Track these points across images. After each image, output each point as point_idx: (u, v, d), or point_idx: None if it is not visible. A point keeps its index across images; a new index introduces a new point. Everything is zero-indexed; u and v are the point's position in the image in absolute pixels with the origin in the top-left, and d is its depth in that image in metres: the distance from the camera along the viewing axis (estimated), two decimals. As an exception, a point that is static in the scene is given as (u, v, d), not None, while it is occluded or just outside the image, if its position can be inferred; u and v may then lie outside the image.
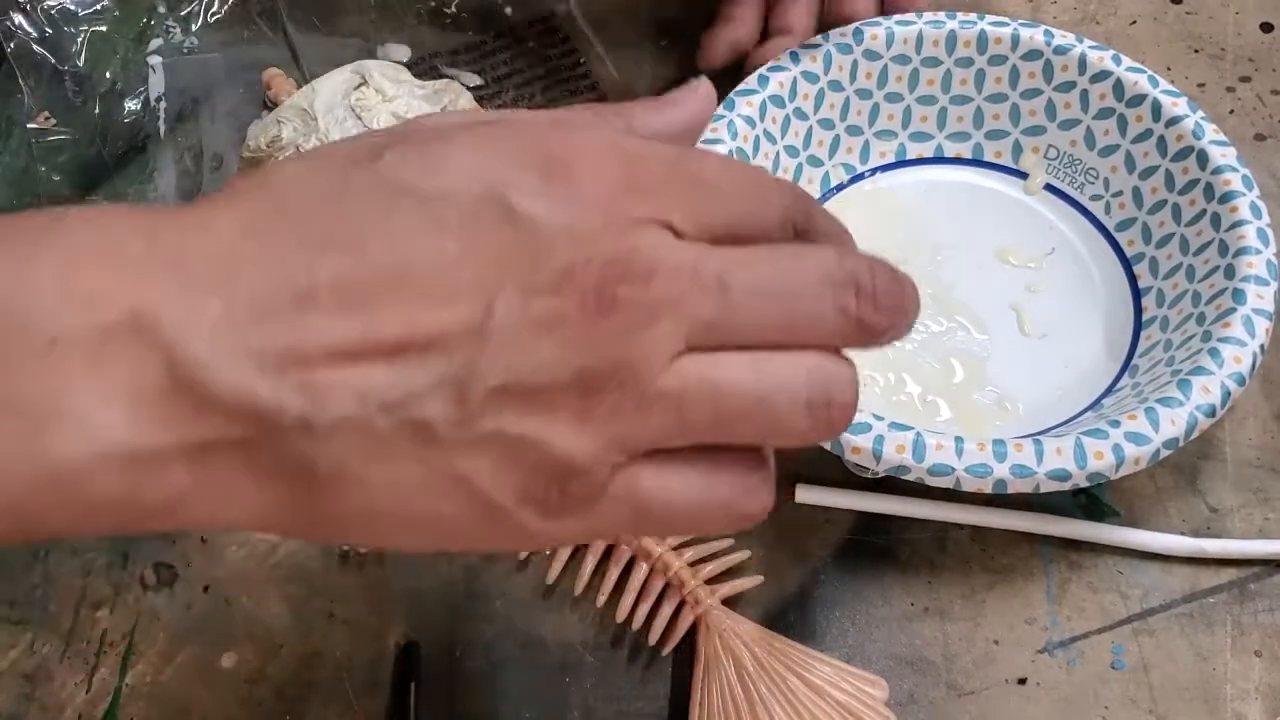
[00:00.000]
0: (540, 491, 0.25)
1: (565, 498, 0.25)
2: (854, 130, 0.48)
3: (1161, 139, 0.44)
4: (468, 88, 0.49)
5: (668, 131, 0.29)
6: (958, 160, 0.48)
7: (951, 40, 0.47)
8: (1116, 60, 0.46)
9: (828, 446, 0.38)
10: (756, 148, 0.45)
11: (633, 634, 0.39)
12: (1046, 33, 0.46)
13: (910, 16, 0.47)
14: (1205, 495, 0.41)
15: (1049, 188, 0.47)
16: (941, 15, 0.47)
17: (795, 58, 0.46)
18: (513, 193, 0.25)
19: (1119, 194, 0.46)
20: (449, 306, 0.24)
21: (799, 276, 0.26)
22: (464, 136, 0.26)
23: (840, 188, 0.47)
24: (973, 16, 0.47)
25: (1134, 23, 0.55)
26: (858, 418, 0.37)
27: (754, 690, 0.36)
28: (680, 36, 0.55)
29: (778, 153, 0.46)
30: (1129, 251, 0.45)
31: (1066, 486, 0.37)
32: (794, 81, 0.46)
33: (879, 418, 0.38)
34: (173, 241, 0.24)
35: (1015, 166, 0.48)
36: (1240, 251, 0.41)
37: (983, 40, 0.47)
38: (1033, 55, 0.46)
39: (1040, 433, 0.41)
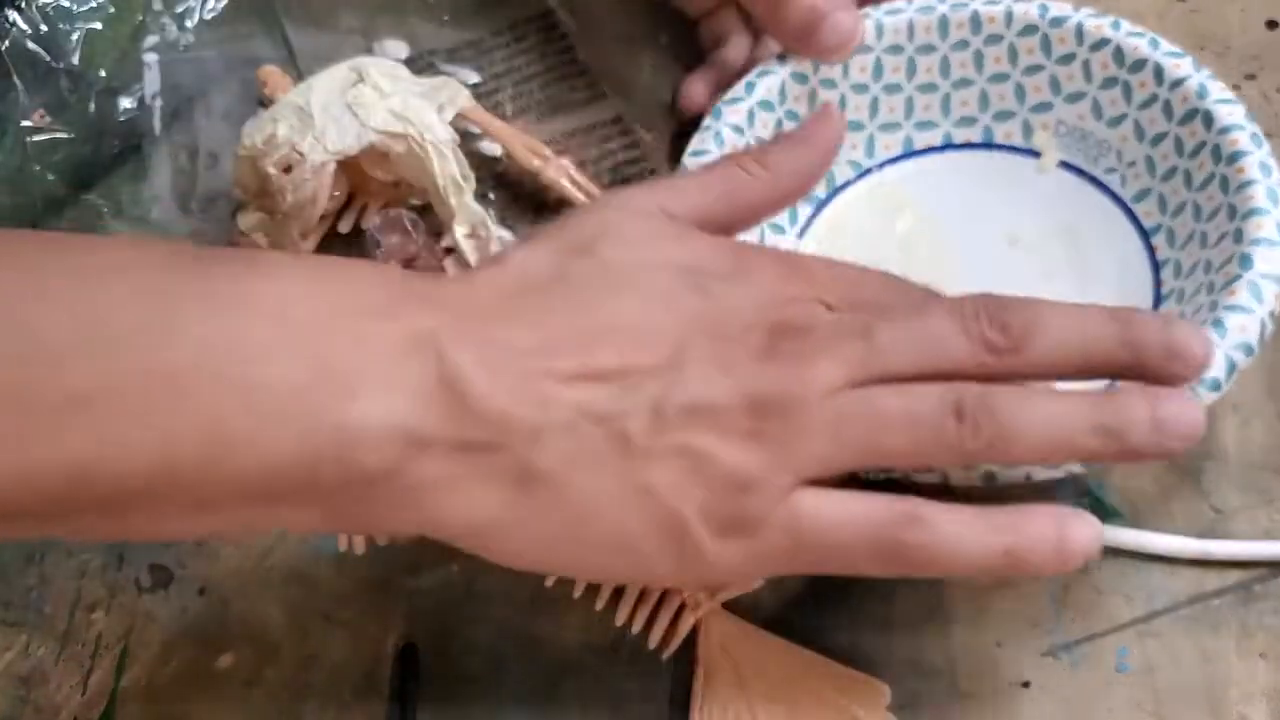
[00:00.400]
0: (717, 504, 0.30)
1: (738, 513, 0.30)
2: (855, 125, 0.47)
3: (1167, 103, 0.43)
4: (466, 85, 0.49)
5: (799, 168, 0.37)
6: (968, 145, 0.47)
7: (944, 25, 0.46)
8: (1115, 26, 0.44)
9: None
10: None
11: (632, 637, 0.38)
12: (1040, 6, 0.45)
13: (899, 4, 0.46)
14: (1209, 496, 0.41)
15: (1063, 165, 0.46)
16: (932, 0, 0.46)
17: (782, 59, 0.45)
18: (707, 278, 0.32)
19: (1132, 164, 0.44)
20: (652, 347, 0.31)
21: (929, 315, 0.32)
22: (667, 244, 0.33)
23: (848, 184, 0.47)
24: None
25: (1138, 20, 0.55)
26: None
27: (754, 694, 0.36)
28: (681, 33, 0.55)
29: None
30: (1147, 224, 0.43)
31: (1059, 474, 0.35)
32: (783, 85, 0.45)
33: None
34: (445, 293, 0.32)
35: (1028, 146, 0.47)
36: (1249, 214, 0.39)
37: (976, 21, 0.45)
38: (1029, 30, 0.45)
39: None
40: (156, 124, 0.52)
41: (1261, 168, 0.40)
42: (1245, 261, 0.38)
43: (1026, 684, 0.38)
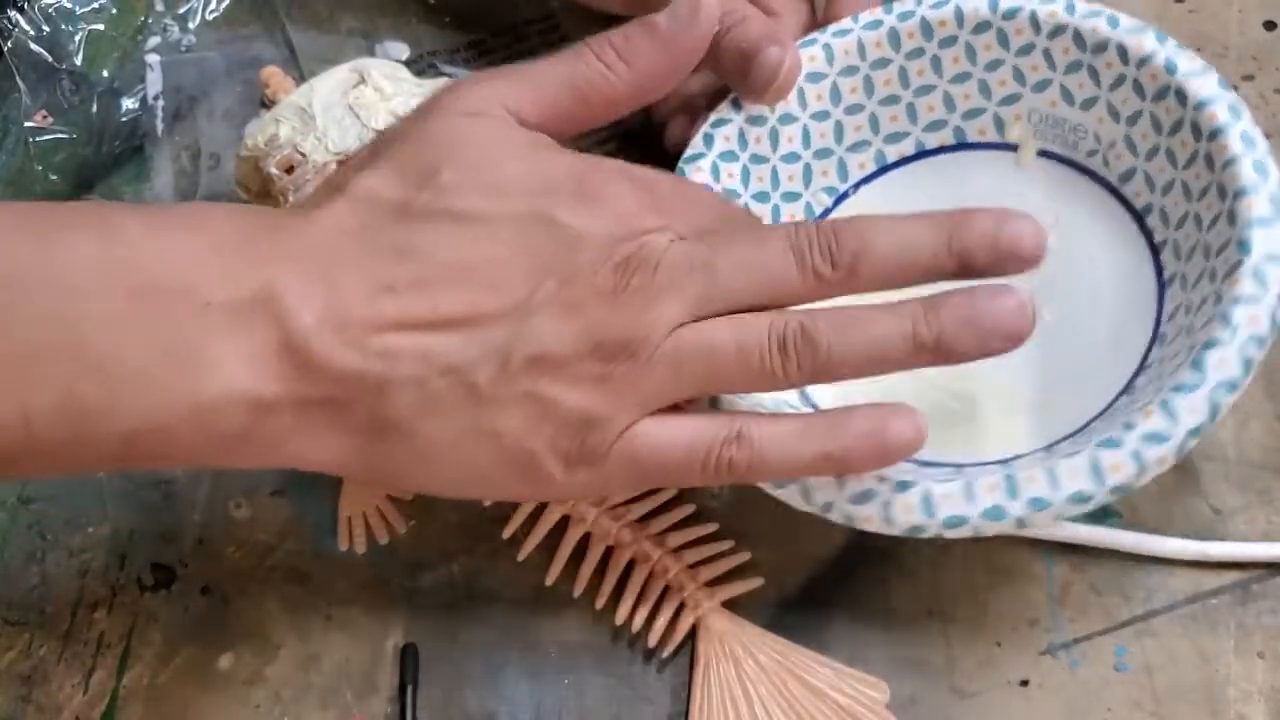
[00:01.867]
0: (563, 442, 0.31)
1: (584, 448, 0.31)
2: (823, 153, 0.45)
3: (1137, 81, 0.41)
4: (467, 86, 0.49)
5: (659, 70, 0.36)
6: (941, 150, 0.46)
7: (894, 37, 0.44)
8: (1070, 10, 0.43)
9: (839, 520, 0.35)
10: None
11: (632, 636, 0.39)
12: (990, 2, 0.44)
13: (845, 24, 0.45)
14: (1208, 496, 0.41)
15: (1044, 155, 0.45)
16: (879, 12, 0.45)
17: (737, 106, 0.44)
18: (556, 205, 0.32)
19: (1113, 144, 0.43)
20: (499, 292, 0.31)
21: (765, 246, 0.32)
22: (513, 166, 0.33)
23: (826, 212, 0.45)
24: (909, 4, 0.44)
25: (1136, 21, 0.55)
26: (861, 484, 0.35)
27: (754, 693, 0.36)
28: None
29: (745, 204, 0.44)
30: (1138, 204, 0.42)
31: (1090, 507, 0.34)
32: (740, 131, 0.44)
33: (881, 479, 0.35)
34: (288, 239, 0.32)
35: (1003, 140, 0.45)
36: (1239, 193, 0.37)
37: (926, 27, 0.44)
38: (982, 27, 0.44)
39: (1061, 440, 0.38)
40: (158, 125, 0.52)
41: (1244, 139, 0.38)
42: (1244, 246, 0.36)
43: (1025, 683, 0.38)
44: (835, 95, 0.45)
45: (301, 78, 0.47)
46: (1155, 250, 0.41)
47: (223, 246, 0.31)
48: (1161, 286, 0.40)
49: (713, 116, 0.44)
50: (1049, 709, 0.37)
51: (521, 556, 0.40)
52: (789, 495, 0.36)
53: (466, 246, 0.31)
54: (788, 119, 0.45)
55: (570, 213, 0.32)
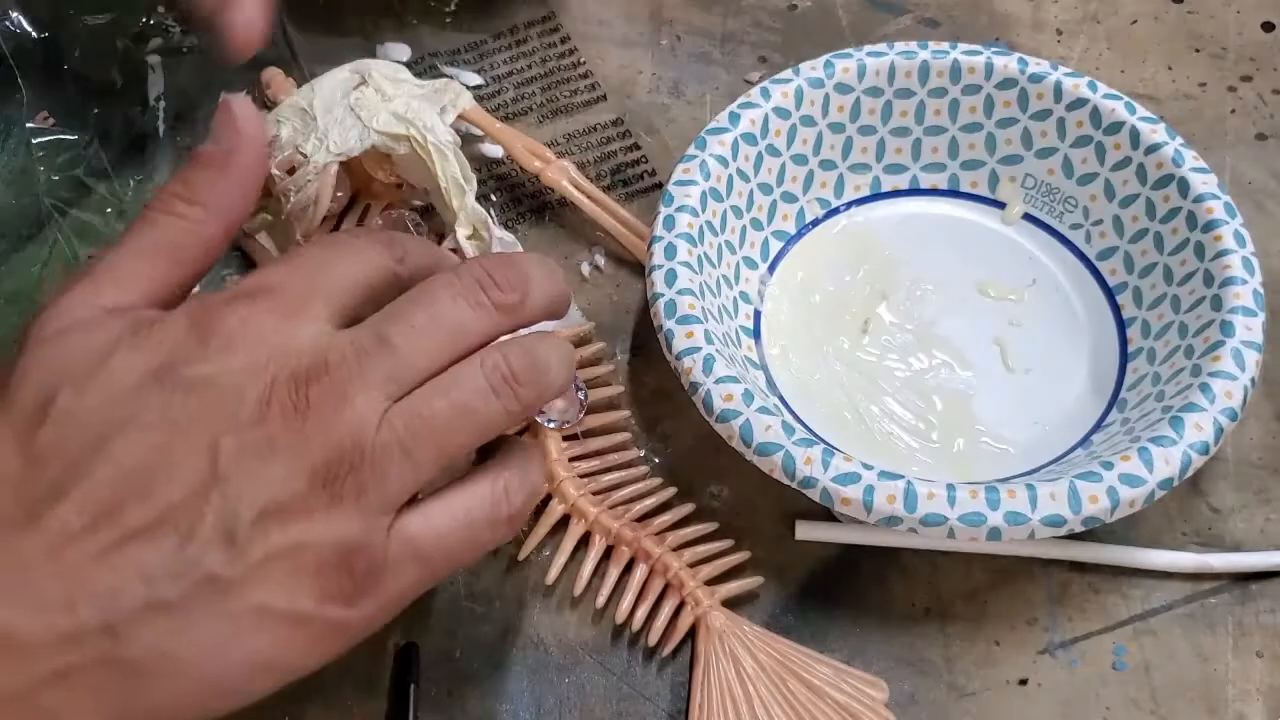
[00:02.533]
0: (333, 584, 0.28)
1: (355, 578, 0.29)
2: (828, 165, 0.47)
3: (1141, 166, 0.44)
4: (467, 87, 0.49)
5: (232, 201, 0.33)
6: (934, 191, 0.48)
7: (925, 71, 0.46)
8: (1093, 87, 0.45)
9: (816, 498, 0.37)
10: (730, 186, 0.44)
11: (632, 635, 0.39)
12: (1020, 60, 0.46)
13: (881, 47, 0.46)
14: (1207, 496, 0.41)
15: (1028, 217, 0.47)
16: (914, 45, 0.46)
17: (766, 94, 0.45)
18: (184, 372, 0.29)
19: (1099, 222, 0.45)
20: (181, 478, 0.28)
21: (434, 303, 0.31)
22: (120, 359, 0.29)
23: (816, 223, 0.47)
24: (945, 46, 0.46)
25: (1135, 22, 0.55)
26: (847, 467, 0.37)
27: (754, 691, 0.36)
28: (682, 36, 0.55)
29: (751, 190, 0.45)
30: (1111, 281, 0.45)
31: (1062, 531, 0.36)
32: (765, 118, 0.45)
33: (868, 466, 0.37)
34: None
35: (993, 196, 0.47)
36: (1226, 282, 0.40)
37: (956, 70, 0.46)
38: (1007, 84, 0.46)
39: (1029, 472, 0.40)
40: (160, 126, 0.52)
41: (1236, 237, 0.41)
42: (1227, 329, 0.39)
43: (1024, 682, 0.38)
44: (855, 111, 0.47)
45: (302, 79, 0.47)
46: (1123, 325, 0.44)
47: None
48: (1124, 359, 0.43)
49: (740, 99, 0.46)
50: (1048, 708, 0.37)
51: (522, 555, 0.40)
52: (771, 465, 0.37)
53: (121, 456, 0.28)
54: (808, 120, 0.46)
55: (202, 365, 0.29)
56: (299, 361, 0.29)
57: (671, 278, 0.41)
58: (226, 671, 0.28)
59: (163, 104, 0.52)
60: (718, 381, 0.38)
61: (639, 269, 0.47)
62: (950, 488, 0.36)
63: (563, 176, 0.48)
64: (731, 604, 0.39)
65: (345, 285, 0.31)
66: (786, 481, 0.37)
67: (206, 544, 0.27)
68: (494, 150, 0.50)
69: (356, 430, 0.29)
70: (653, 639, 0.38)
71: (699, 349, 0.39)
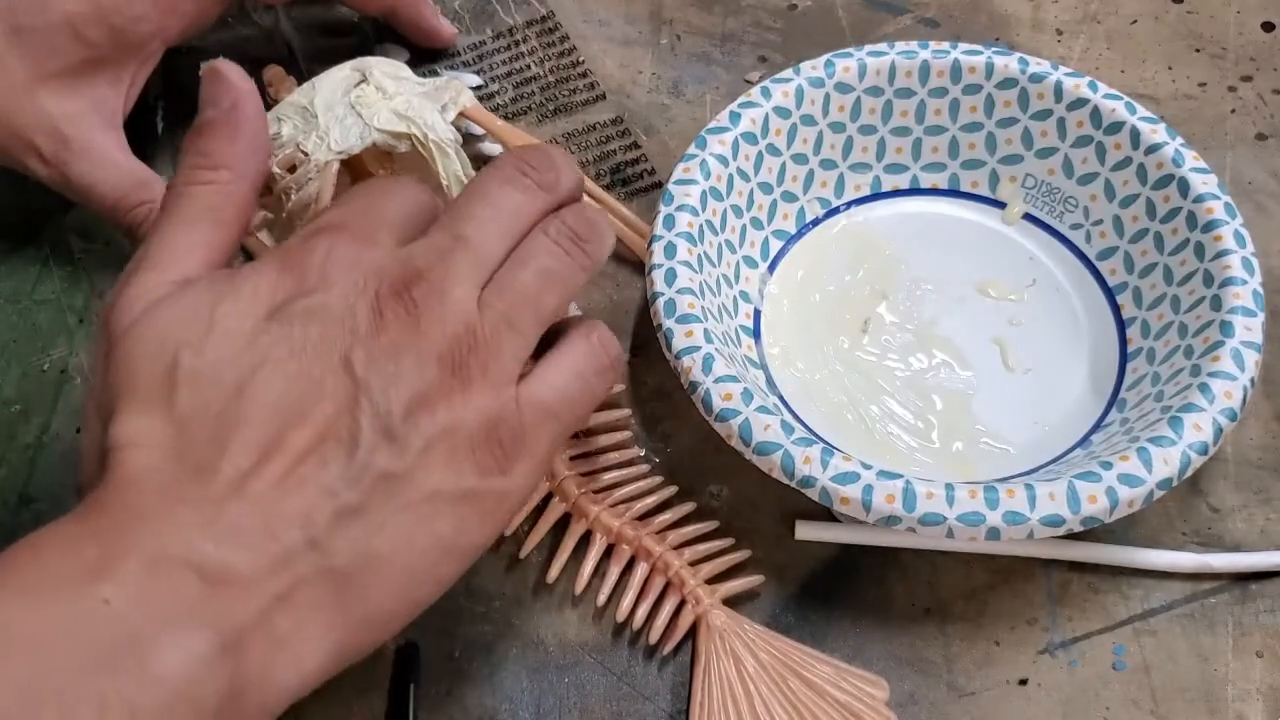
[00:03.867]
0: (488, 456, 0.31)
1: (505, 447, 0.31)
2: (828, 164, 0.47)
3: (1141, 166, 0.44)
4: (468, 88, 0.49)
5: (248, 152, 0.34)
6: (934, 191, 0.48)
7: (925, 70, 0.46)
8: (1093, 87, 0.45)
9: (815, 497, 0.37)
10: (730, 186, 0.44)
11: (633, 634, 0.39)
12: (1021, 60, 0.46)
13: (882, 47, 0.46)
14: (1207, 495, 0.41)
15: (1028, 217, 0.47)
16: (914, 45, 0.46)
17: (767, 93, 0.46)
18: (294, 308, 0.31)
19: (1099, 222, 0.45)
20: (326, 396, 0.30)
21: (487, 194, 0.34)
22: (221, 311, 0.31)
23: (816, 222, 0.47)
24: (946, 46, 0.46)
25: (1135, 22, 0.55)
26: (846, 466, 0.37)
27: (754, 690, 0.36)
28: (682, 35, 0.55)
29: (751, 190, 0.45)
30: (1111, 281, 0.45)
31: (1061, 531, 0.36)
32: (766, 117, 0.45)
33: (867, 466, 0.37)
34: (129, 526, 0.28)
35: (993, 196, 0.47)
36: (1226, 282, 0.40)
37: (956, 70, 0.46)
38: (1008, 84, 0.46)
39: (1029, 472, 0.40)
40: (159, 125, 0.52)
41: (1236, 237, 0.41)
42: (1227, 329, 0.39)
43: (1024, 681, 0.38)
44: (856, 111, 0.47)
45: (302, 78, 0.47)
46: (1122, 325, 0.44)
47: (71, 567, 0.27)
48: (1124, 358, 0.43)
49: (741, 98, 0.46)
50: (1047, 708, 0.37)
51: (523, 554, 0.40)
52: (770, 464, 0.37)
53: (265, 395, 0.29)
54: (808, 120, 0.46)
55: (309, 297, 0.31)
56: (393, 274, 0.31)
57: (671, 277, 0.41)
58: (419, 561, 0.30)
59: (162, 103, 0.52)
60: (717, 381, 0.38)
61: (639, 268, 0.47)
62: (949, 487, 0.36)
63: (563, 175, 0.48)
64: (732, 603, 0.39)
65: (398, 216, 0.34)
66: (786, 481, 0.37)
67: (372, 447, 0.30)
68: (495, 148, 0.50)
69: (464, 316, 0.31)
70: (653, 637, 0.38)
71: (698, 348, 0.39)
